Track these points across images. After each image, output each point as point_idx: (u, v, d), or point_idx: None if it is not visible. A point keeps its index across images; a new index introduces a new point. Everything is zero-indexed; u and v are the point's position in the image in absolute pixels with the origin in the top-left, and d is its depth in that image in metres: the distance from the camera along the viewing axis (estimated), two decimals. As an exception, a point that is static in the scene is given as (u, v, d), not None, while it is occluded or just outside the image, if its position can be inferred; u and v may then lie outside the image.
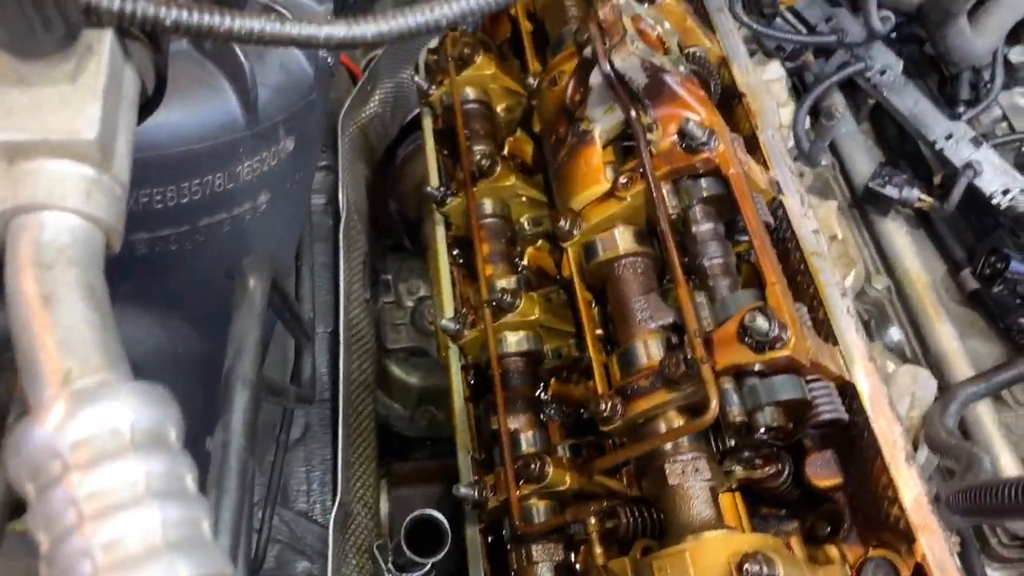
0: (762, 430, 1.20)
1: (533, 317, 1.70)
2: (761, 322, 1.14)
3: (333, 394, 2.03)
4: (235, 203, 1.15)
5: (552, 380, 1.81)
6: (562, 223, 1.52)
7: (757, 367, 1.20)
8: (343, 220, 2.18)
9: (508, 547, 1.54)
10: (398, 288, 2.92)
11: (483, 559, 1.62)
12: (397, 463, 2.64)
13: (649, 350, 1.35)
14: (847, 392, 1.30)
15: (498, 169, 1.85)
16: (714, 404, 1.16)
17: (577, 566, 1.51)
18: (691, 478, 1.24)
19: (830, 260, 1.39)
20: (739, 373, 1.21)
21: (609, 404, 1.31)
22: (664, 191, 1.38)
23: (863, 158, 1.98)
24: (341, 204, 2.19)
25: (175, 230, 1.10)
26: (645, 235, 1.48)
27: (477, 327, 1.75)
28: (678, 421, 1.28)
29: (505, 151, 2.09)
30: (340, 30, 0.72)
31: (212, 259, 1.19)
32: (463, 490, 1.56)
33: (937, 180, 1.92)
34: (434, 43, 2.36)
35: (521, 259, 1.95)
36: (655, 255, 1.47)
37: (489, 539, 1.62)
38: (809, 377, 1.25)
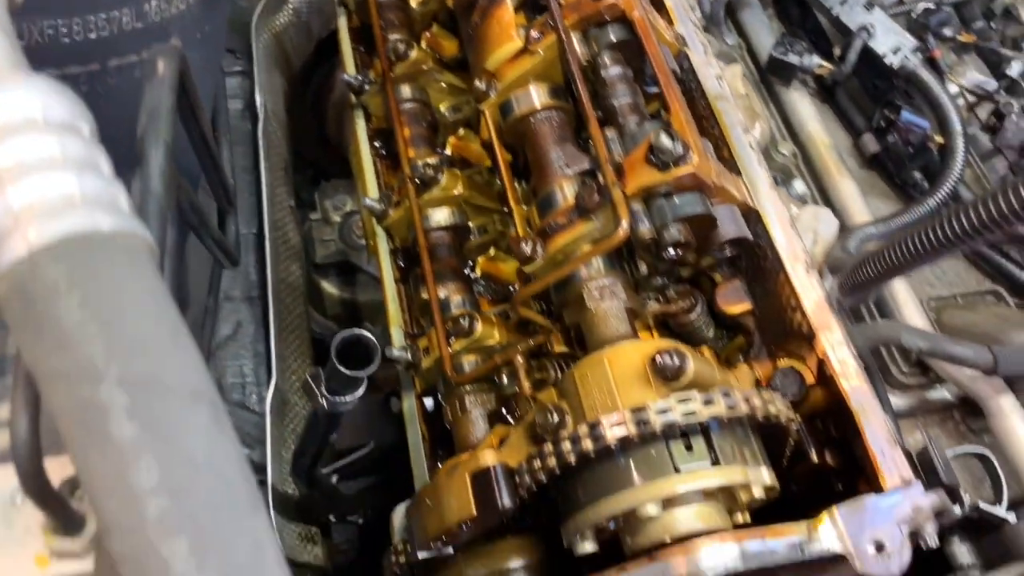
0: (671, 247, 1.26)
1: (457, 192, 1.73)
2: (665, 140, 1.20)
3: (263, 293, 2.04)
4: (145, 44, 1.15)
5: (480, 259, 1.85)
6: (478, 83, 1.55)
7: (665, 190, 1.26)
8: (260, 121, 2.17)
9: (443, 403, 1.59)
10: (324, 205, 2.91)
11: (420, 422, 1.67)
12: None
13: (566, 193, 1.40)
14: (751, 218, 1.38)
15: (414, 53, 1.87)
16: (625, 223, 1.22)
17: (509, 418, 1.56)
18: (608, 300, 1.30)
19: (732, 103, 1.46)
20: (648, 196, 1.27)
21: (530, 244, 1.36)
22: (575, 41, 1.42)
23: (767, 37, 2.06)
24: (258, 105, 2.18)
25: (84, 68, 1.10)
26: (560, 91, 1.52)
27: (402, 206, 1.78)
28: (597, 255, 1.34)
29: (423, 44, 2.10)
30: None
31: (124, 107, 1.18)
32: (396, 352, 1.60)
33: (837, 52, 2.01)
34: (344, -58, 2.34)
35: (444, 149, 1.97)
36: (570, 109, 1.52)
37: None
38: (714, 201, 1.32)
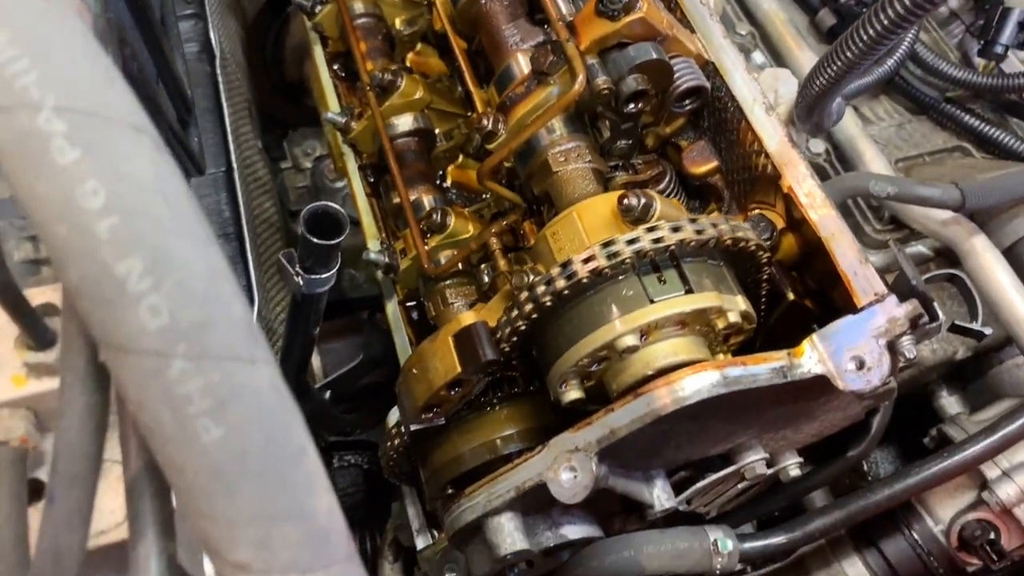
0: (629, 101, 1.27)
1: (418, 96, 1.73)
2: (613, -13, 1.20)
3: (237, 230, 2.03)
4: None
5: (450, 168, 1.85)
6: (425, -26, 1.54)
7: (618, 41, 1.26)
8: (217, 59, 2.15)
9: (425, 302, 1.59)
10: (294, 152, 2.90)
11: (405, 326, 1.68)
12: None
13: (522, 66, 1.39)
14: (708, 71, 1.38)
15: (363, -35, 1.85)
16: (581, 77, 1.22)
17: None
18: (573, 162, 1.30)
19: (681, -37, 1.45)
20: (603, 51, 1.28)
21: (491, 118, 1.36)
22: (515, -87, 1.41)
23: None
24: (213, 42, 2.16)
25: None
26: (507, -29, 1.51)
27: (365, 116, 1.77)
28: (559, 123, 1.34)
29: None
30: None
31: None
32: (373, 255, 1.61)
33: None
34: None
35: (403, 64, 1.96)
36: (518, -12, 1.51)
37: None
38: (671, 54, 1.32)
